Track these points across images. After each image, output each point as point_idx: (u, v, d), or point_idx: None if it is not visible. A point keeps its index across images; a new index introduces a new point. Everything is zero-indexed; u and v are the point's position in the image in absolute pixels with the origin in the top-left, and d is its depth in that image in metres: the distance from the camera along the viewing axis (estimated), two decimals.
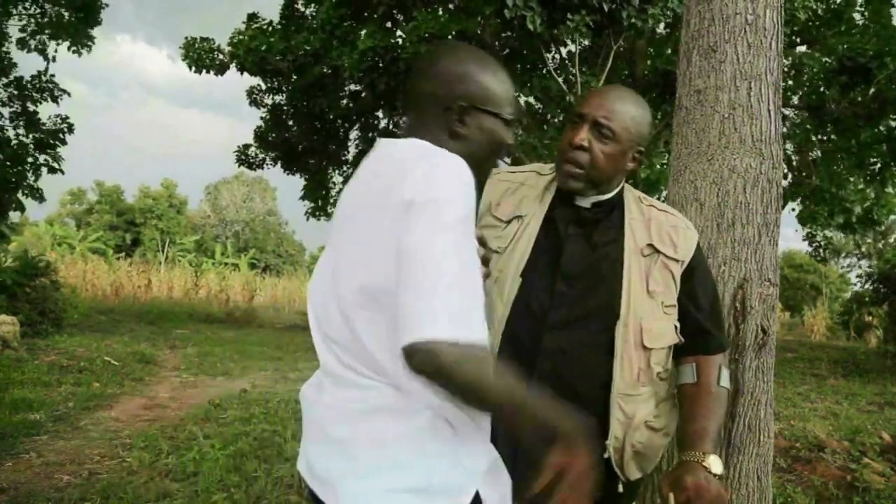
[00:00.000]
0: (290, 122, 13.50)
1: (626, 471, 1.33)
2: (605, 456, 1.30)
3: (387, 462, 1.00)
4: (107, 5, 11.62)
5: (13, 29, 11.24)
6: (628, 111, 1.35)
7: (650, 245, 1.37)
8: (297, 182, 14.32)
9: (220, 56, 12.12)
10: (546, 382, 1.31)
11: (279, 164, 13.86)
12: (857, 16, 10.41)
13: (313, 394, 1.14)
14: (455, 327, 0.89)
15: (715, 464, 1.25)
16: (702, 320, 1.38)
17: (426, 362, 0.88)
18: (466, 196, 0.99)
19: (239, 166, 14.23)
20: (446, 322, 0.89)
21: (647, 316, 1.33)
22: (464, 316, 0.91)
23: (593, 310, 1.35)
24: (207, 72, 12.22)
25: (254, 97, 13.34)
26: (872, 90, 9.19)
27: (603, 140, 1.34)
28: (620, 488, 1.35)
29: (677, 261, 1.37)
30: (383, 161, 1.11)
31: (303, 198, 14.05)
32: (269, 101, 13.49)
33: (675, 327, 1.37)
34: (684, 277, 1.38)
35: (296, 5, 12.50)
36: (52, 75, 11.63)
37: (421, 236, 0.94)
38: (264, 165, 14.02)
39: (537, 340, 1.34)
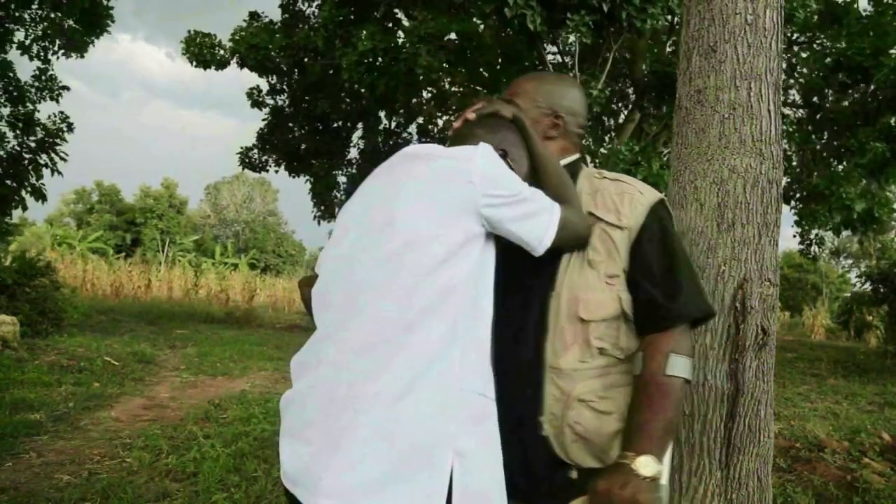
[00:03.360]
0: (292, 124, 13.50)
1: (570, 454, 1.25)
2: (543, 434, 1.25)
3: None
4: (112, 21, 11.58)
5: (17, 34, 11.24)
6: (529, 83, 1.47)
7: (590, 214, 1.34)
8: (299, 182, 14.30)
9: (221, 52, 12.14)
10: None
11: (283, 167, 13.84)
12: (856, 16, 10.41)
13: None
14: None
15: (644, 465, 1.14)
16: (650, 289, 1.27)
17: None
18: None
19: (243, 169, 14.21)
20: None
21: (584, 287, 1.28)
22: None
23: (530, 287, 1.33)
24: (208, 67, 12.22)
25: (255, 98, 13.33)
26: (871, 89, 9.19)
27: None
28: (574, 475, 1.27)
29: (620, 227, 1.30)
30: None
31: (315, 204, 14.03)
32: (271, 102, 13.49)
33: (620, 298, 1.28)
34: (634, 245, 1.30)
35: (298, 5, 12.50)
36: (53, 74, 11.61)
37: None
38: (267, 168, 14.00)
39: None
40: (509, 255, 1.28)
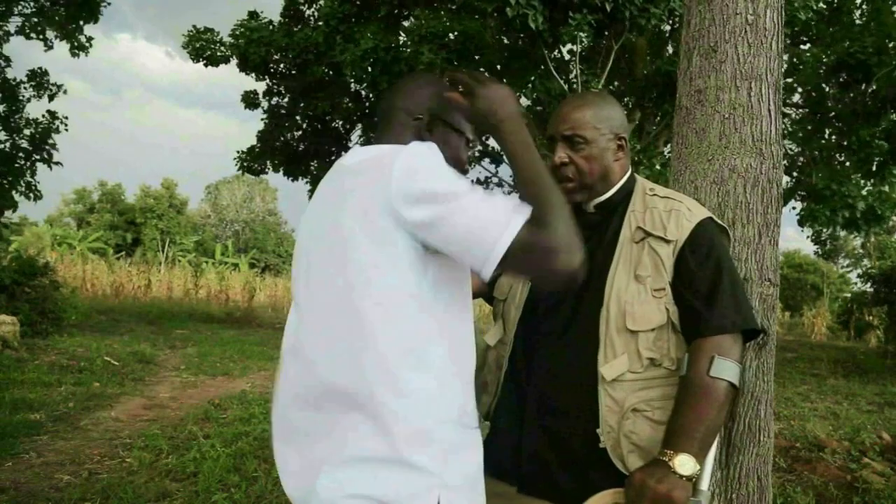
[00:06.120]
0: (289, 124, 13.45)
1: (628, 465, 1.27)
2: (601, 446, 1.28)
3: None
4: (108, 3, 11.63)
5: (11, 25, 11.26)
6: (586, 113, 1.42)
7: (640, 228, 1.37)
8: (298, 182, 14.18)
9: (222, 48, 12.12)
10: (541, 380, 1.36)
11: (281, 170, 13.76)
12: (856, 13, 10.41)
13: None
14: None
15: (682, 464, 1.16)
16: (693, 300, 1.31)
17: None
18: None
19: (242, 173, 14.15)
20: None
21: (632, 300, 1.31)
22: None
23: (582, 302, 1.37)
24: (208, 64, 12.20)
25: (250, 100, 13.26)
26: (872, 88, 9.18)
27: (578, 148, 1.41)
28: None
29: (667, 242, 1.34)
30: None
31: None
32: (267, 104, 13.44)
33: (667, 310, 1.32)
34: (679, 259, 1.34)
35: (299, 6, 12.48)
36: (46, 71, 11.58)
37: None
38: (266, 170, 13.93)
39: (535, 340, 1.40)
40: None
